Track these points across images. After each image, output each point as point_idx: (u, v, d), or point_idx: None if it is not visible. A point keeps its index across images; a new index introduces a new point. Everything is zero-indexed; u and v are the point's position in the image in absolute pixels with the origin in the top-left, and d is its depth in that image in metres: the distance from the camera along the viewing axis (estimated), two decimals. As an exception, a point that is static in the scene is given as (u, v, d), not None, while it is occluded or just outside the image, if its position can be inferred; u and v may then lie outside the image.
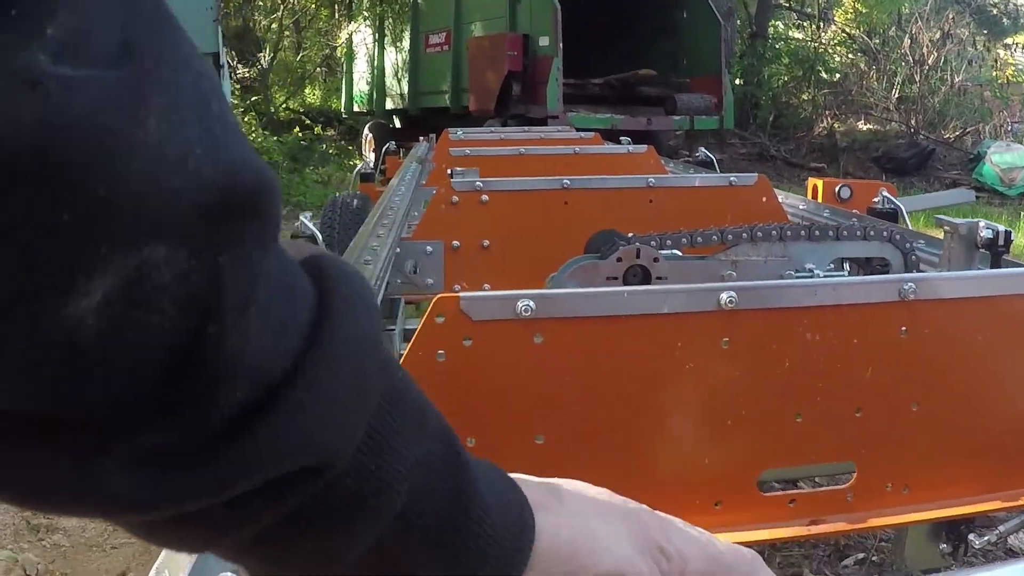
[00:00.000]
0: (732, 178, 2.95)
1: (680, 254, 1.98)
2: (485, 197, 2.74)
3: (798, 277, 1.97)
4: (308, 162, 14.78)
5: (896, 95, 17.32)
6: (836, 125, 17.71)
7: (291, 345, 0.45)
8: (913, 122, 16.61)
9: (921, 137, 16.01)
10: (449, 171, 3.46)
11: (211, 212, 0.39)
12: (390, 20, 15.60)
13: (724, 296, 1.25)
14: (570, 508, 0.62)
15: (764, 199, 2.92)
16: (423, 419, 0.55)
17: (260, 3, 18.23)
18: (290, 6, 17.72)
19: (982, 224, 1.90)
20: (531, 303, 1.20)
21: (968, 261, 1.90)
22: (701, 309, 1.26)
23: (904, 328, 1.33)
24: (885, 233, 2.04)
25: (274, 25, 18.10)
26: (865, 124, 17.99)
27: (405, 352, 1.21)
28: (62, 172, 0.34)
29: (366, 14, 16.26)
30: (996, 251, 1.97)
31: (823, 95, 18.30)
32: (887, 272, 2.06)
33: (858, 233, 2.03)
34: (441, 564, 0.55)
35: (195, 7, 11.63)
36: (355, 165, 13.46)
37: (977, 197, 11.65)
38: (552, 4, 10.97)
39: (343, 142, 17.88)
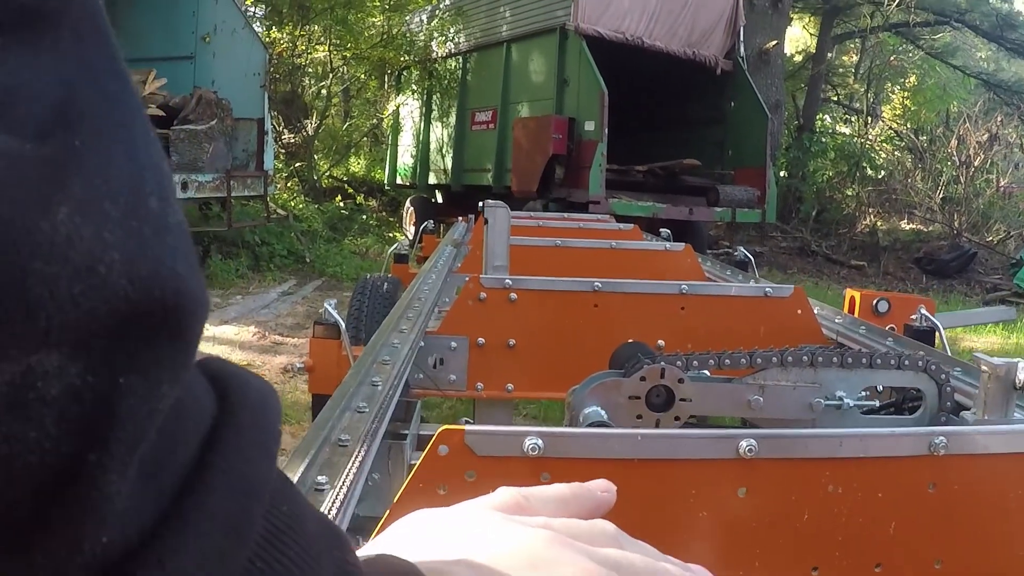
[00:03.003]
0: (767, 289, 2.90)
1: (707, 375, 1.93)
2: (514, 295, 2.70)
3: (827, 405, 1.91)
4: (348, 232, 14.87)
5: (940, 195, 17.28)
6: (879, 223, 17.68)
7: (170, 485, 0.39)
8: (956, 223, 16.56)
9: (964, 239, 15.95)
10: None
11: (118, 327, 0.34)
12: (438, 95, 15.75)
13: (743, 444, 1.19)
14: None
15: (799, 311, 2.87)
16: (313, 555, 0.47)
17: (310, 70, 18.43)
18: (340, 75, 17.90)
19: (1021, 365, 1.84)
20: (539, 441, 1.15)
21: (1005, 404, 1.83)
22: (718, 456, 1.20)
23: (932, 484, 1.28)
24: (920, 363, 1.99)
25: (323, 92, 18.29)
26: (908, 223, 17.96)
27: (405, 484, 1.16)
28: None
29: (415, 87, 16.40)
30: (1035, 393, 1.91)
31: (867, 192, 18.28)
32: (921, 401, 2.00)
33: (892, 362, 1.97)
34: None
35: (243, 72, 11.84)
36: (394, 237, 13.51)
37: (1017, 304, 11.55)
38: (600, 89, 11.03)
39: (384, 213, 17.99)
